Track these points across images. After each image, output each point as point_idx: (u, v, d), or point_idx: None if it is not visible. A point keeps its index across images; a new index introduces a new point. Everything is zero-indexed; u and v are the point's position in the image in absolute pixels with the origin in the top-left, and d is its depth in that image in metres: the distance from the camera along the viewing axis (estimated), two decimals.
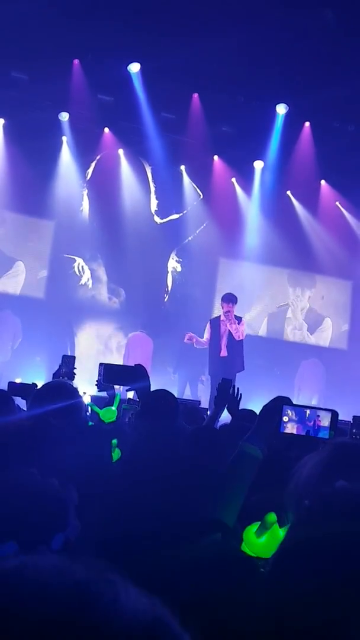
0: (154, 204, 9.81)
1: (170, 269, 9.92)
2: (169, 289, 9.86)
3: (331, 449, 1.27)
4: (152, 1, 7.45)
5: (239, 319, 7.48)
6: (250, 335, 9.45)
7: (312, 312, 10.47)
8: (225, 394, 3.47)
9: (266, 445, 1.71)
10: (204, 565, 1.08)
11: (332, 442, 1.27)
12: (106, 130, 9.29)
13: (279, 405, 1.74)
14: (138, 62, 8.45)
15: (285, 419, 1.74)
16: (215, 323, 7.56)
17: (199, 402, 6.29)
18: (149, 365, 7.58)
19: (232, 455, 1.70)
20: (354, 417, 3.36)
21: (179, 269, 9.96)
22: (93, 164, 9.53)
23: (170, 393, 2.79)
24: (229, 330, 7.32)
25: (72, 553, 1.25)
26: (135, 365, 2.98)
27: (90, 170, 9.53)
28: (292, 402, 1.78)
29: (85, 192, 9.53)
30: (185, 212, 9.89)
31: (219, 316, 7.57)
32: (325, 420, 1.77)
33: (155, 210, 9.84)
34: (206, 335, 7.66)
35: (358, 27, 7.68)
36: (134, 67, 8.50)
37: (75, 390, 2.49)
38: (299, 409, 1.76)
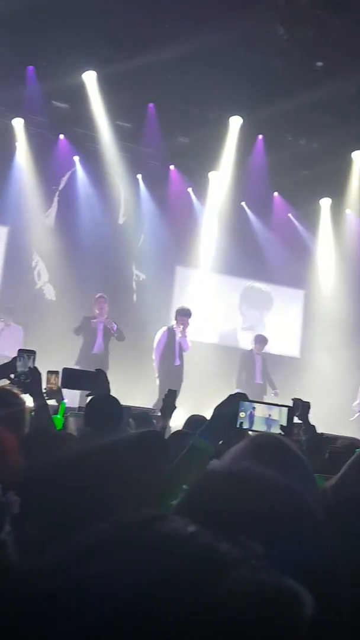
0: (111, 211, 9.77)
1: (128, 277, 9.92)
2: (132, 296, 9.86)
3: (250, 439, 1.30)
4: (107, 10, 7.46)
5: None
6: (203, 343, 9.54)
7: (267, 320, 10.64)
8: (172, 404, 3.56)
9: (221, 439, 1.72)
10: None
11: (255, 435, 1.29)
12: (61, 136, 9.23)
13: (234, 401, 1.76)
14: (93, 70, 8.45)
15: (242, 415, 1.76)
16: (171, 333, 7.84)
17: (154, 410, 6.30)
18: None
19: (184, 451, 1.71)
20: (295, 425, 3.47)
21: (136, 277, 9.96)
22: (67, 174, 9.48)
23: (116, 399, 2.76)
24: (181, 341, 7.82)
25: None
26: (96, 370, 2.93)
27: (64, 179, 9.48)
28: (247, 398, 1.80)
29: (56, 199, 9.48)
30: (141, 220, 9.91)
31: (173, 326, 7.83)
32: (276, 415, 1.79)
33: (113, 218, 9.80)
34: (157, 342, 7.91)
35: (309, 43, 7.92)
36: (90, 75, 8.50)
37: (15, 396, 2.42)
38: (257, 405, 1.78)
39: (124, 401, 6.88)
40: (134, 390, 8.22)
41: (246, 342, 9.97)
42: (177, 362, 7.83)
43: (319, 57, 8.24)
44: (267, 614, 0.47)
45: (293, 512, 0.82)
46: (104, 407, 2.62)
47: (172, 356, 7.82)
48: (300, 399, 3.53)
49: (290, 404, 3.50)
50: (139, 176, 9.80)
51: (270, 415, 1.77)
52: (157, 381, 7.95)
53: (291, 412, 1.82)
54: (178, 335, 7.84)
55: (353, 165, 9.59)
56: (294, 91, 8.25)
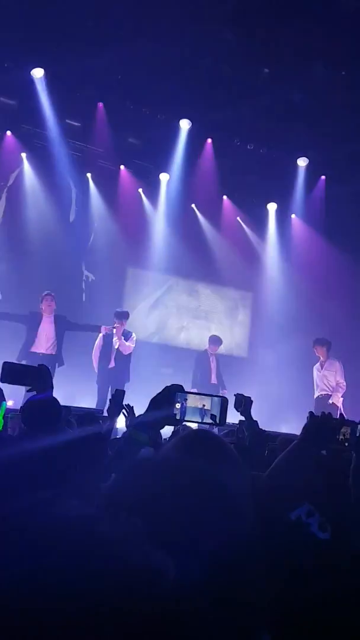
0: (61, 209, 9.64)
1: (79, 277, 9.83)
2: (82, 296, 9.77)
3: (184, 434, 1.33)
4: (57, 8, 7.39)
5: (128, 334, 8.12)
6: (151, 343, 9.57)
7: (217, 321, 10.79)
8: (119, 404, 3.55)
9: (157, 430, 1.75)
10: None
11: (190, 430, 1.34)
12: (8, 133, 9.04)
13: (170, 393, 1.78)
14: (42, 67, 8.34)
15: (177, 405, 1.78)
16: (107, 335, 8.08)
17: (100, 410, 6.28)
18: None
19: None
20: (240, 421, 3.49)
21: (85, 277, 9.88)
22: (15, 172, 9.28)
23: (55, 399, 2.73)
24: (119, 344, 7.99)
25: None
26: (38, 365, 2.84)
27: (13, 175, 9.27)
28: (184, 390, 1.82)
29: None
30: (91, 219, 9.83)
31: (112, 328, 8.02)
32: (208, 406, 1.83)
33: (63, 216, 9.67)
34: (95, 345, 8.10)
35: (257, 49, 8.10)
36: (38, 72, 8.38)
37: None
38: (190, 396, 1.81)
39: (73, 402, 6.85)
40: (84, 390, 8.19)
41: (197, 343, 10.09)
42: (112, 365, 7.99)
43: (266, 64, 8.44)
44: (132, 586, 0.55)
45: (213, 500, 0.87)
46: (41, 407, 2.59)
47: (107, 359, 8.00)
48: (242, 395, 3.49)
49: (233, 399, 3.55)
50: (89, 175, 9.73)
51: (204, 405, 1.81)
52: (96, 384, 8.06)
53: (224, 403, 1.85)
54: (114, 338, 8.01)
55: (298, 172, 9.86)
56: (241, 96, 8.41)
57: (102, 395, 7.77)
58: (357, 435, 2.22)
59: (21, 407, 2.83)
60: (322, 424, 2.08)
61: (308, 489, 1.79)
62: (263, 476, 1.97)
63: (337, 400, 8.29)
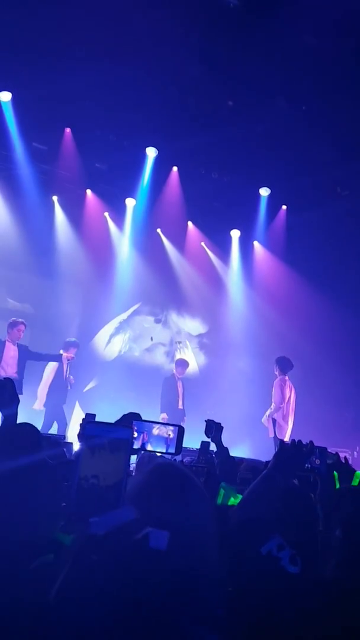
0: (25, 232, 9.57)
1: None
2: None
3: (151, 470, 1.34)
4: (26, 32, 7.46)
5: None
6: (111, 366, 9.52)
7: (182, 345, 10.87)
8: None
9: None
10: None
11: (153, 464, 1.35)
12: None
13: (128, 420, 1.80)
14: (9, 91, 8.36)
15: (134, 435, 1.80)
16: (60, 364, 8.37)
17: (62, 436, 6.24)
18: None
19: None
20: (202, 442, 3.49)
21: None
22: None
23: (34, 427, 2.69)
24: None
25: None
26: (4, 378, 2.75)
27: None
28: (141, 418, 1.85)
29: None
30: (57, 242, 9.80)
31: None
32: (172, 434, 1.86)
33: (27, 239, 9.60)
34: (46, 380, 8.38)
35: (223, 81, 8.36)
36: (5, 96, 8.40)
37: None
38: (148, 424, 1.84)
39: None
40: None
41: (162, 366, 10.15)
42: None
43: (230, 97, 8.72)
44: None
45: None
46: (24, 435, 2.55)
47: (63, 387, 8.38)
48: (212, 421, 3.43)
49: (203, 425, 3.54)
50: (55, 198, 9.74)
51: (170, 435, 1.85)
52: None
53: (181, 431, 1.89)
54: (65, 367, 8.31)
55: (261, 200, 10.14)
56: (206, 127, 8.64)
57: (62, 420, 7.83)
58: (328, 462, 2.27)
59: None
60: (292, 452, 2.06)
61: (278, 520, 1.84)
62: (234, 509, 2.01)
63: (264, 418, 8.23)
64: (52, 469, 2.20)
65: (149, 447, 1.87)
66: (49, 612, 0.97)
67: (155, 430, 1.79)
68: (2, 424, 2.57)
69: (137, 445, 1.77)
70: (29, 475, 1.76)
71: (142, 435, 1.77)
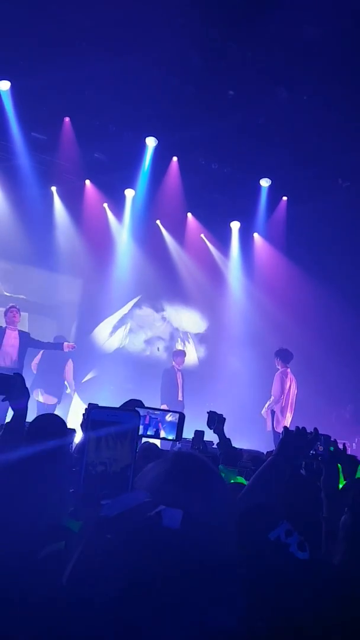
0: (24, 222, 9.52)
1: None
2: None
3: (173, 459, 1.34)
4: (25, 21, 7.39)
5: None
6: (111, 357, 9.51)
7: (182, 336, 10.86)
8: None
9: None
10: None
11: (173, 452, 1.34)
12: None
13: (131, 406, 1.79)
14: (7, 80, 8.29)
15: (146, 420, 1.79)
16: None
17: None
18: None
19: None
20: (196, 431, 3.49)
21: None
22: None
23: (59, 417, 2.72)
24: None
25: None
26: (14, 374, 2.76)
27: None
28: (143, 405, 1.84)
29: None
30: (56, 233, 9.76)
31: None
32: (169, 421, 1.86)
33: (26, 229, 9.55)
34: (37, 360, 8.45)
35: (223, 71, 8.30)
36: (4, 85, 8.33)
37: None
38: (151, 411, 1.83)
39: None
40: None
41: (162, 358, 10.15)
42: None
43: (231, 86, 8.65)
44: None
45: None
46: (51, 424, 2.56)
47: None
48: (215, 412, 3.43)
49: (202, 416, 3.55)
50: (54, 188, 9.68)
51: (171, 419, 1.85)
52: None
53: (181, 418, 1.89)
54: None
55: (261, 192, 10.10)
56: (206, 117, 8.58)
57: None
58: (331, 449, 2.27)
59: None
60: (297, 438, 2.08)
61: (285, 507, 1.83)
62: (240, 495, 2.01)
63: (264, 410, 8.25)
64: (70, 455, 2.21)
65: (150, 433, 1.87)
66: (61, 594, 0.96)
67: (169, 417, 1.79)
68: (12, 418, 2.56)
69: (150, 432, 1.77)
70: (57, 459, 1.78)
71: (153, 422, 1.77)
